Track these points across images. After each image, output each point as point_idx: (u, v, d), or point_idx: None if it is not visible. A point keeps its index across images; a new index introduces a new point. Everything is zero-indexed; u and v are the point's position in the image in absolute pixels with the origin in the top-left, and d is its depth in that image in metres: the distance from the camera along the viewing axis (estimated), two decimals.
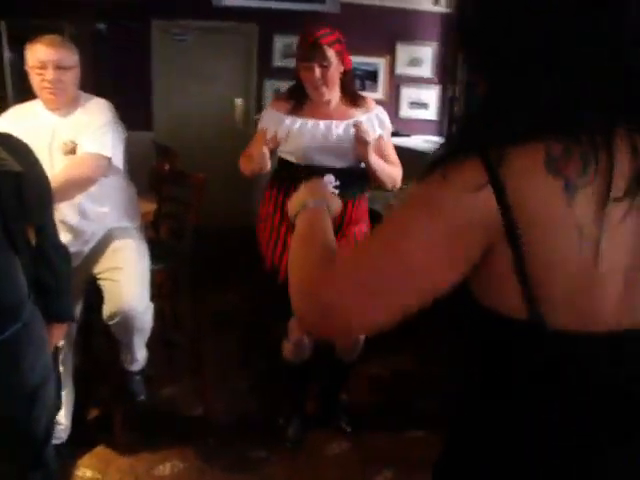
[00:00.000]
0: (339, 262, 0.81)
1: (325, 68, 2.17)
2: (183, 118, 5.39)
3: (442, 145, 0.79)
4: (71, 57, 2.16)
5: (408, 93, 5.92)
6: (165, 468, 2.31)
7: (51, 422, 1.61)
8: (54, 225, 1.62)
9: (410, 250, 0.73)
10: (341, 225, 2.31)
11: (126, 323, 2.10)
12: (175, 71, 5.36)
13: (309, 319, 0.83)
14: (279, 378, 2.69)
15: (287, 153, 2.33)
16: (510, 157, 0.69)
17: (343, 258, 0.82)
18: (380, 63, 5.75)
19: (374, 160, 2.24)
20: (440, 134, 6.11)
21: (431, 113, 6.08)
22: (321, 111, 2.29)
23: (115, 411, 2.41)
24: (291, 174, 2.28)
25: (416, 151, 5.14)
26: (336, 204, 1.09)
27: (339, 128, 2.27)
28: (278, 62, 5.49)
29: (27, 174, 1.41)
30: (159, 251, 2.46)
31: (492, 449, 0.83)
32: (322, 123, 2.27)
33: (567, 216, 0.68)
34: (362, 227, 2.42)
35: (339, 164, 2.26)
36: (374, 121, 2.34)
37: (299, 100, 2.30)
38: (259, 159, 2.24)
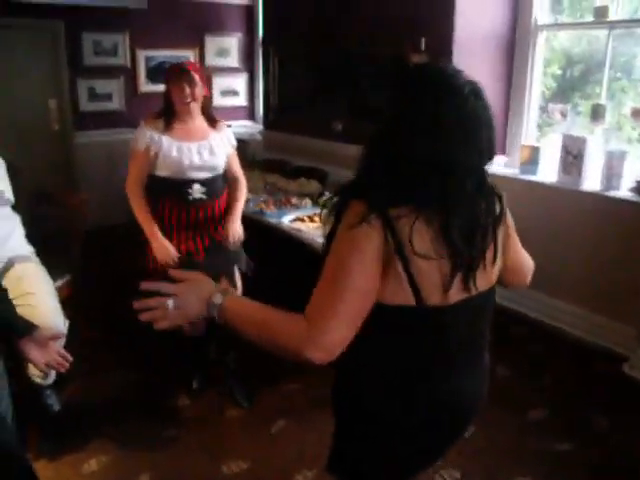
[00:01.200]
0: (311, 319, 1.19)
1: (192, 87, 2.71)
2: None
3: (340, 195, 1.26)
4: None
5: (219, 82, 6.28)
6: (91, 465, 2.55)
7: None
8: None
9: (355, 282, 1.18)
10: (214, 221, 2.87)
11: None
12: None
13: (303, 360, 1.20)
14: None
15: (164, 170, 2.75)
16: (392, 211, 1.18)
17: (312, 315, 1.20)
18: (190, 56, 5.99)
19: (238, 223, 2.91)
20: (251, 118, 6.60)
21: (241, 99, 6.52)
22: (187, 132, 2.78)
23: (29, 426, 2.56)
24: (163, 186, 2.76)
25: (236, 140, 5.56)
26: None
27: (206, 148, 2.80)
28: (90, 60, 5.45)
29: None
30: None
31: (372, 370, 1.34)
32: (192, 146, 2.76)
33: (426, 244, 1.20)
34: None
35: (205, 175, 2.81)
36: (224, 140, 2.92)
37: (168, 121, 2.76)
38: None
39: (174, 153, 2.71)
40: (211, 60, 6.16)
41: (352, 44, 4.42)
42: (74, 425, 2.76)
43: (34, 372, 2.46)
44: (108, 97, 5.58)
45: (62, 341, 2.41)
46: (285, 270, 3.81)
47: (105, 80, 5.54)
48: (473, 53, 3.79)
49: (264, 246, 3.92)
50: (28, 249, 2.49)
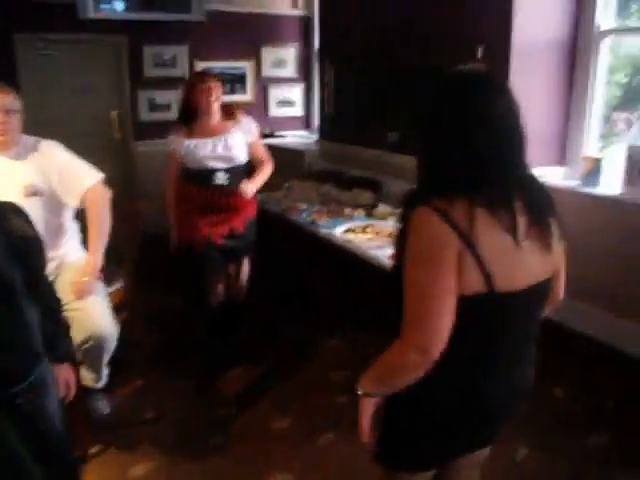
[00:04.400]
0: (407, 330, 1.27)
1: (217, 88, 3.18)
2: (60, 135, 5.26)
3: (409, 196, 1.35)
4: (16, 101, 2.32)
5: (275, 93, 6.34)
6: (137, 469, 2.58)
7: None
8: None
9: (435, 282, 1.24)
10: (235, 209, 3.32)
11: (98, 345, 2.33)
12: (46, 87, 5.25)
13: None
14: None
15: (190, 163, 3.27)
16: (455, 206, 1.24)
17: (406, 329, 1.28)
18: (247, 66, 6.09)
19: (254, 187, 3.34)
20: (307, 128, 6.63)
21: (297, 110, 6.56)
22: (206, 130, 3.24)
23: (80, 428, 2.61)
24: (193, 175, 3.28)
25: (293, 150, 5.62)
26: None
27: (221, 142, 3.23)
28: (149, 72, 5.61)
29: (35, 235, 1.64)
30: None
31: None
32: (207, 141, 3.22)
33: (495, 233, 1.26)
34: (249, 212, 3.45)
35: (225, 165, 3.26)
36: (244, 130, 3.33)
37: (190, 125, 3.26)
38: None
39: (192, 149, 3.21)
40: (267, 71, 6.24)
41: (408, 55, 4.37)
42: (122, 429, 2.80)
43: (86, 375, 2.52)
44: (167, 107, 5.72)
45: (112, 346, 2.46)
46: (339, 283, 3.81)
47: (164, 91, 5.68)
48: (532, 60, 3.67)
49: (318, 258, 3.92)
50: (82, 255, 2.55)
